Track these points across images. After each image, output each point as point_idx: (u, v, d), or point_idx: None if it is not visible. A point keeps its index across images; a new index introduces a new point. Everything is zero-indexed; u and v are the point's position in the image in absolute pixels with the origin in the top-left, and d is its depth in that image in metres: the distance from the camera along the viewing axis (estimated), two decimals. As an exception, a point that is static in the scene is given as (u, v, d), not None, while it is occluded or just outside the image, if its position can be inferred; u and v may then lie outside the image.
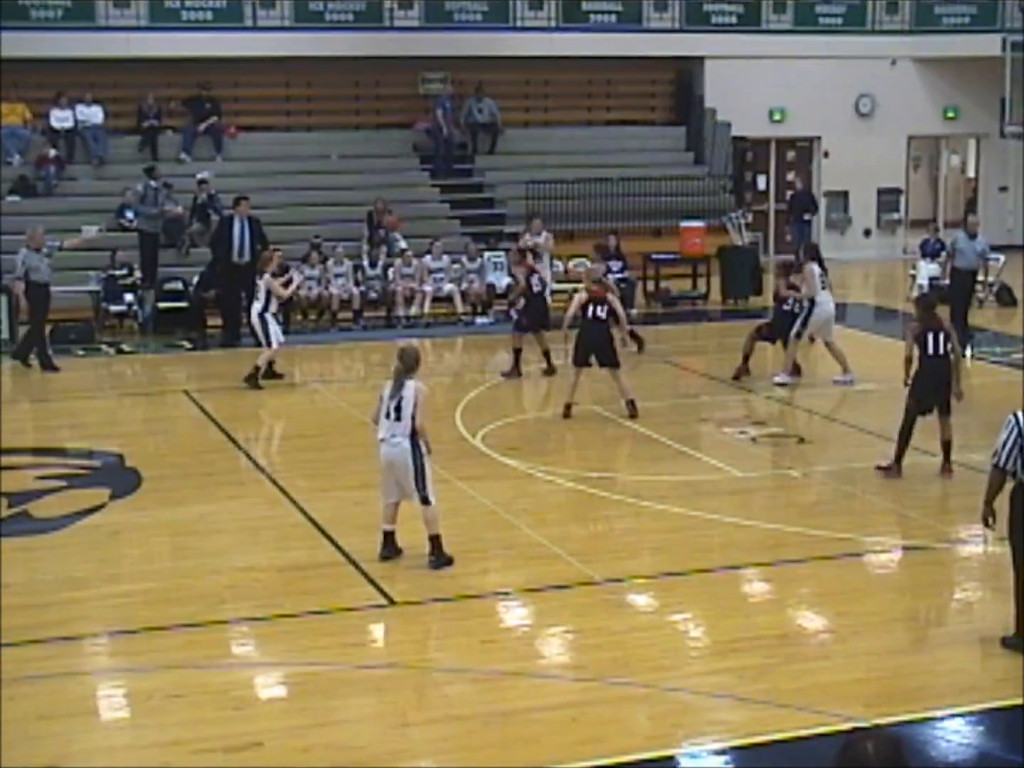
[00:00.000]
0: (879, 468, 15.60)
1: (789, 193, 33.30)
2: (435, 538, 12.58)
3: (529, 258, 21.70)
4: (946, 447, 15.59)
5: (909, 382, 15.62)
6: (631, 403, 18.23)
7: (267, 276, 20.41)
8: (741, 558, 12.95)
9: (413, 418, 12.33)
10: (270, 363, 20.69)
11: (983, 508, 10.78)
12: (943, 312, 17.68)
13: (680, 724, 9.57)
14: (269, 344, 20.41)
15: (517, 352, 20.90)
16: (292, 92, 31.31)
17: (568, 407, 18.19)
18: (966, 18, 34.10)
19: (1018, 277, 28.44)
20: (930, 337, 15.47)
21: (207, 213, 26.70)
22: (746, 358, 20.46)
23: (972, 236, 24.10)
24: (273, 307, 20.51)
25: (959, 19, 34.18)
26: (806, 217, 32.20)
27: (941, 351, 15.44)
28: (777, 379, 20.11)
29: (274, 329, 20.46)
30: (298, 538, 13.67)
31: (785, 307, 20.28)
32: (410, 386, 12.41)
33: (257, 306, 20.42)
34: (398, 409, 12.38)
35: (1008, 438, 10.47)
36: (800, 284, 20.21)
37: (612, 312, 18.47)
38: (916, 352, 15.57)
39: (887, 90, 34.18)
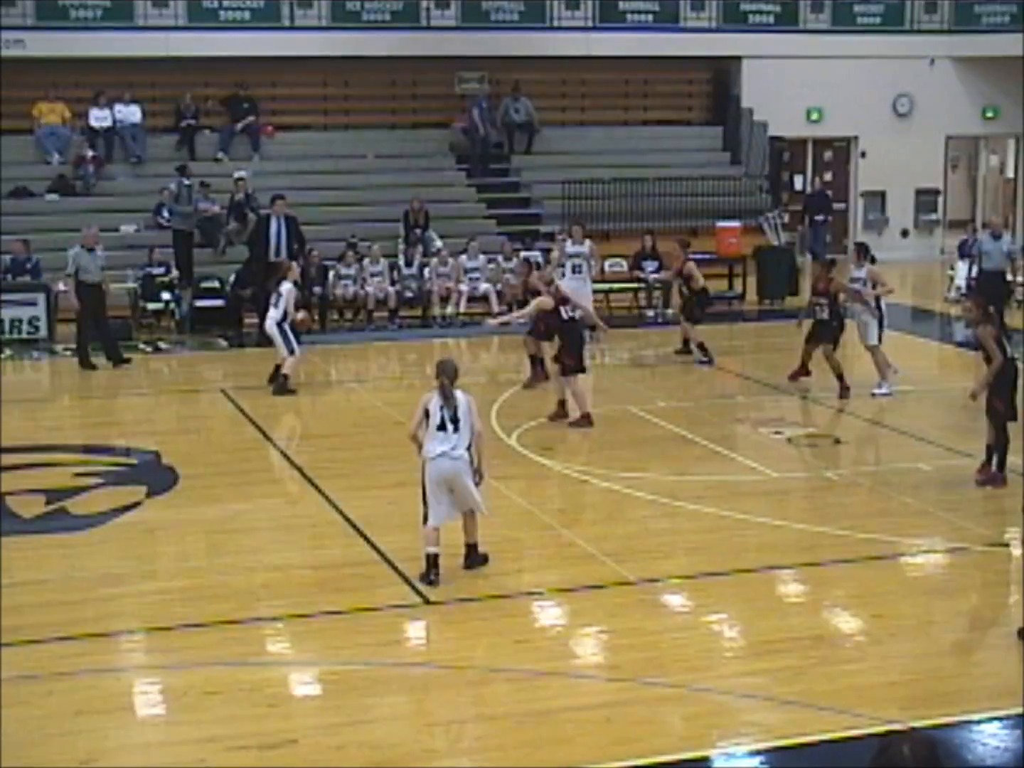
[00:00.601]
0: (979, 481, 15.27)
1: (805, 193, 33.19)
2: (474, 547, 12.52)
3: (537, 276, 20.32)
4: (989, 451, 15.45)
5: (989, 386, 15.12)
6: (561, 403, 18.04)
7: (288, 285, 20.29)
8: (776, 559, 12.92)
9: (471, 428, 12.09)
10: (286, 376, 20.08)
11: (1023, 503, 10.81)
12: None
13: (714, 725, 9.55)
14: (293, 352, 20.13)
15: (533, 359, 20.22)
16: (329, 91, 31.38)
17: (566, 411, 18.09)
18: (1006, 17, 33.92)
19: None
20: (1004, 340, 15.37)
21: (244, 212, 26.76)
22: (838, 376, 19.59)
23: (996, 237, 23.97)
24: (289, 318, 20.22)
25: (998, 18, 34.01)
26: (819, 218, 32.09)
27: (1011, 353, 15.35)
28: (876, 391, 19.52)
29: (292, 337, 20.21)
30: (333, 536, 13.70)
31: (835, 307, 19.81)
32: (461, 396, 12.14)
33: (275, 314, 20.15)
34: (455, 420, 12.01)
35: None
36: (868, 284, 19.72)
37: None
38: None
39: (925, 90, 34.04)
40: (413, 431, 12.27)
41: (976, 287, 23.81)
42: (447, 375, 12.11)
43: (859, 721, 9.36)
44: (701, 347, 21.74)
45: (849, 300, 19.80)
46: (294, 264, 21.35)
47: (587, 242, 23.59)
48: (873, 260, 20.31)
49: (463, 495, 12.14)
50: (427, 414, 12.09)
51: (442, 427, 12.00)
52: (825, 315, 19.57)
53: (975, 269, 24.36)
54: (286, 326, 20.14)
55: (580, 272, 23.24)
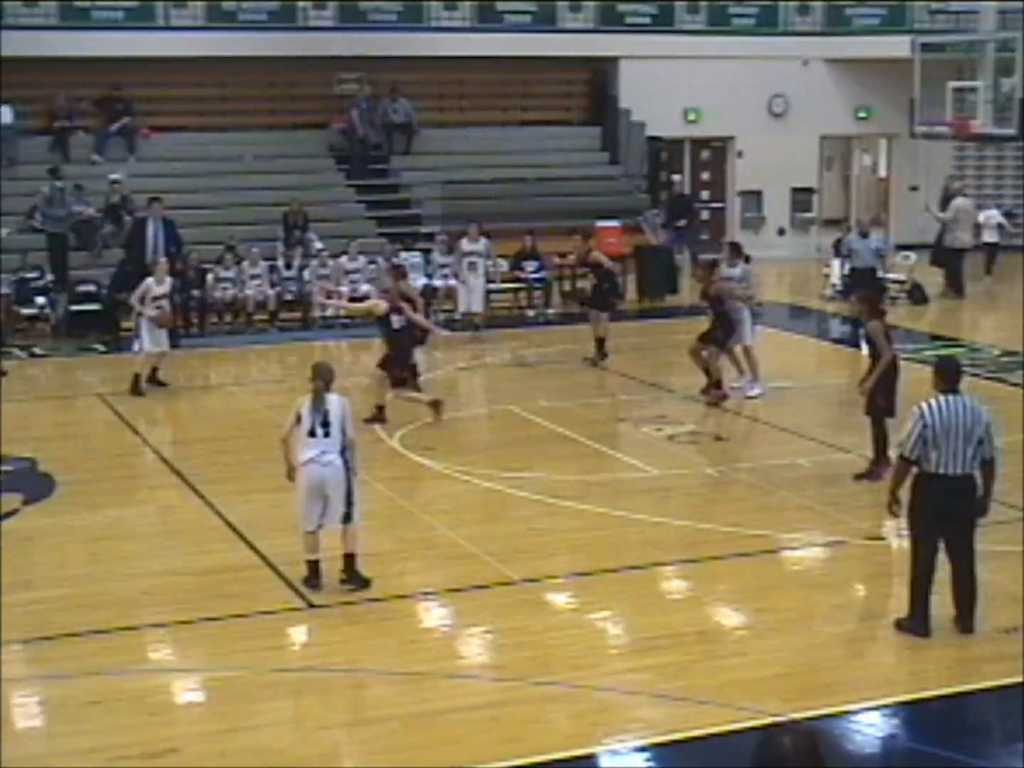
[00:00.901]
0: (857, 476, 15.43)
1: (665, 195, 32.30)
2: (351, 557, 12.02)
3: (402, 284, 19.41)
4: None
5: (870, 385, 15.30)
6: (380, 408, 17.97)
7: (150, 280, 20.08)
8: (659, 556, 13.01)
9: (343, 433, 11.87)
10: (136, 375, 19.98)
11: (888, 497, 11.06)
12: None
13: (600, 722, 9.60)
14: (141, 349, 19.99)
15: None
16: (206, 92, 31.08)
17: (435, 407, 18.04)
18: (876, 19, 34.42)
19: (929, 275, 28.76)
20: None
21: (119, 215, 26.44)
22: (706, 372, 19.43)
23: (864, 235, 24.31)
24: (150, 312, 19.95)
25: (869, 20, 34.50)
26: (681, 223, 31.10)
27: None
28: (750, 392, 19.53)
29: (144, 335, 19.92)
30: (215, 541, 13.59)
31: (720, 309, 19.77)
32: (335, 400, 11.93)
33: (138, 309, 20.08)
34: (325, 425, 11.80)
35: (914, 429, 10.72)
36: (744, 283, 19.82)
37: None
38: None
39: (800, 90, 34.42)
40: (284, 435, 12.14)
41: (848, 285, 24.15)
42: (322, 378, 11.96)
43: (742, 714, 9.46)
44: (600, 343, 21.69)
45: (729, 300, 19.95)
46: (162, 261, 21.17)
47: (483, 240, 24.44)
48: (747, 259, 20.51)
49: (330, 502, 11.86)
50: (300, 419, 11.93)
51: (312, 433, 11.80)
52: (710, 320, 19.59)
53: (847, 267, 24.67)
54: (142, 322, 19.92)
55: (475, 270, 24.09)
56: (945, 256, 28.76)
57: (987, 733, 9.88)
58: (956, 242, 28.56)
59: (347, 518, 11.90)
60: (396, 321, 17.97)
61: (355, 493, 12.00)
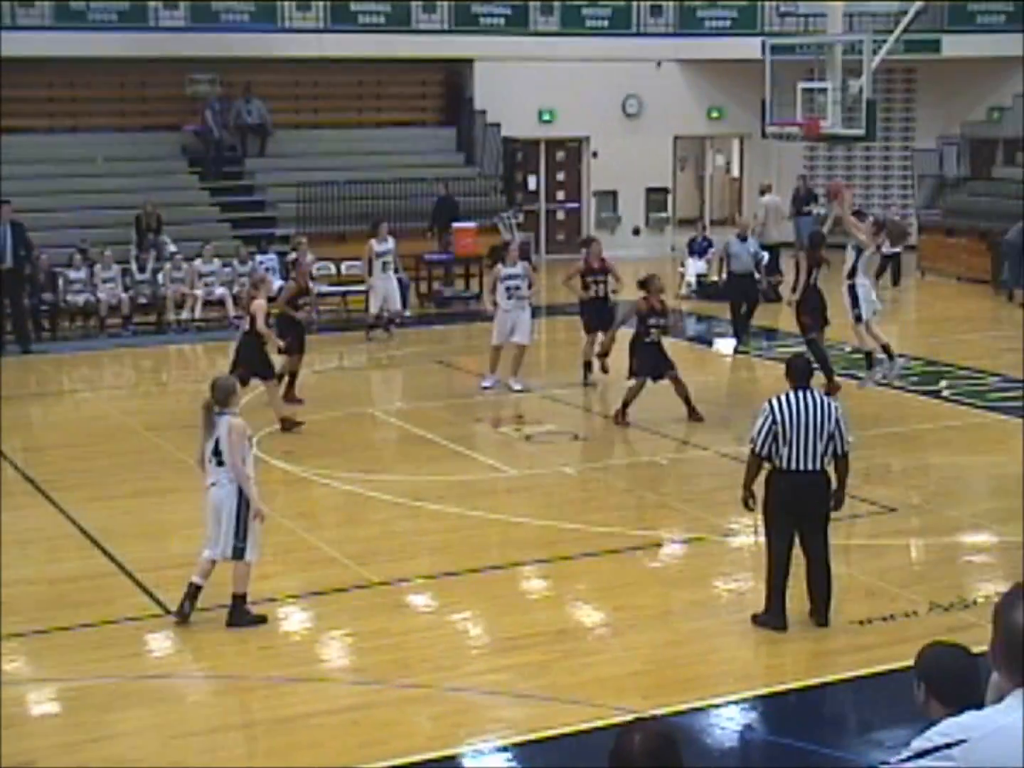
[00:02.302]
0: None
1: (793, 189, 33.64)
2: (240, 597, 11.21)
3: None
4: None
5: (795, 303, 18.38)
6: (284, 420, 17.79)
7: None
8: (518, 556, 13.05)
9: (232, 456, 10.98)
10: None
11: (742, 492, 11.20)
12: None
13: (461, 723, 9.61)
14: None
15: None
16: (55, 93, 30.58)
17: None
18: (727, 22, 34.84)
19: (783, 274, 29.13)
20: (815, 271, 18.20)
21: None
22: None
23: (743, 239, 24.59)
24: None
25: (720, 22, 34.91)
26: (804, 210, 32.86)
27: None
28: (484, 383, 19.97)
29: None
30: (69, 549, 13.39)
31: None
32: (224, 423, 11.04)
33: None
34: (217, 452, 11.02)
35: (764, 425, 10.85)
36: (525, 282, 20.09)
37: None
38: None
39: (653, 91, 34.71)
40: (197, 459, 11.41)
41: (726, 289, 24.30)
42: (214, 395, 11.12)
43: (603, 712, 9.52)
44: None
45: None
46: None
47: (390, 239, 24.09)
48: (529, 260, 20.73)
49: (226, 534, 11.09)
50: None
51: (208, 459, 11.11)
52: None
53: (725, 271, 24.77)
54: None
55: (387, 269, 23.96)
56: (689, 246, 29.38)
57: (843, 724, 10.05)
58: (764, 238, 29.10)
59: (238, 554, 11.11)
60: (242, 324, 17.93)
61: (249, 528, 11.11)
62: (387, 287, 24.03)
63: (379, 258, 23.77)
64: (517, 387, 19.83)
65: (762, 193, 30.41)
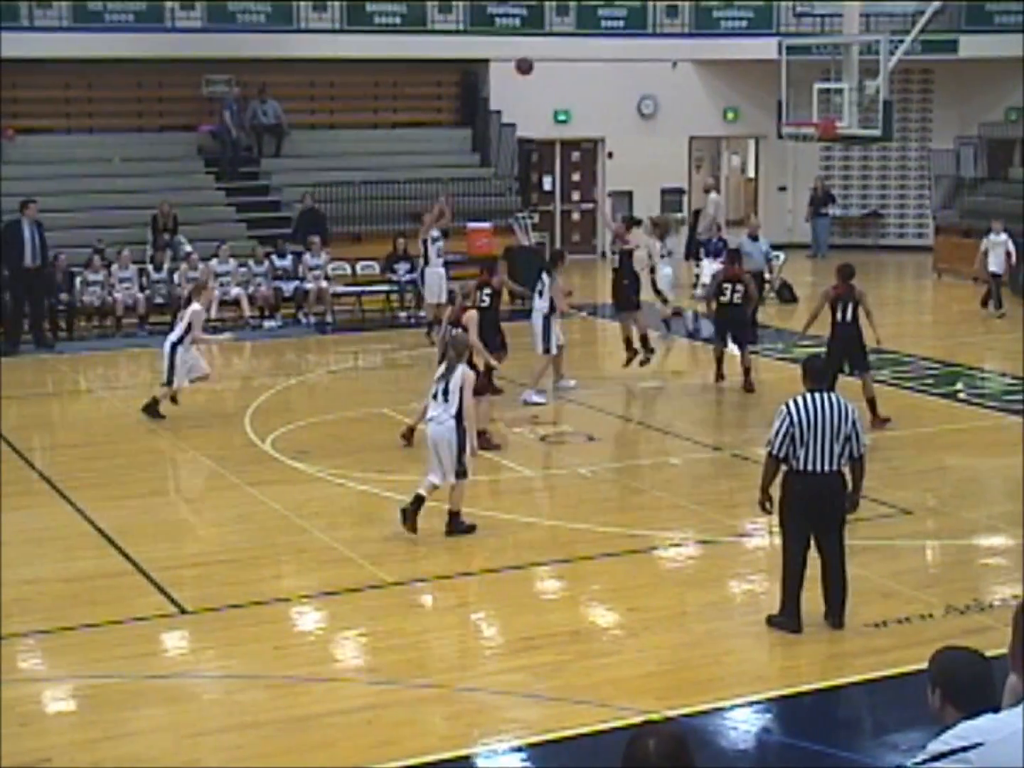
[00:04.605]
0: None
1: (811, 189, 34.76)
2: (456, 514, 13.41)
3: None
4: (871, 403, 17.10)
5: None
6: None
7: (196, 306, 18.45)
8: (533, 556, 13.05)
9: (460, 400, 13.12)
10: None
11: (760, 495, 11.19)
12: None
13: (475, 723, 9.61)
14: (170, 383, 18.35)
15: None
16: (72, 94, 30.66)
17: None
18: (743, 22, 34.80)
19: (798, 275, 29.16)
20: (842, 305, 17.05)
21: (-15, 218, 25.98)
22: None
23: (754, 238, 24.59)
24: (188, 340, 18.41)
25: (736, 23, 34.87)
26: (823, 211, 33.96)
27: (850, 318, 17.03)
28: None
29: (181, 362, 18.35)
30: (85, 548, 13.42)
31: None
32: (459, 371, 13.23)
33: (172, 336, 18.53)
34: (445, 392, 13.19)
35: (781, 427, 10.85)
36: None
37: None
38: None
39: (668, 92, 34.70)
40: (431, 394, 13.51)
41: None
42: (455, 349, 13.52)
43: (617, 713, 9.52)
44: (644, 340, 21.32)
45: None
46: (210, 287, 20.58)
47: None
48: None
49: (442, 459, 13.21)
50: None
51: (436, 396, 13.31)
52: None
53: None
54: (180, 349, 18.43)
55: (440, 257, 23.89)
56: (709, 247, 29.37)
57: (858, 726, 10.02)
58: (711, 234, 29.18)
59: (460, 475, 13.29)
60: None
61: (467, 454, 13.30)
62: (437, 277, 23.87)
63: (434, 243, 23.62)
64: (572, 383, 19.85)
65: (707, 191, 30.31)
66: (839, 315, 16.99)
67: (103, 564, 12.91)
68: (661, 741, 4.76)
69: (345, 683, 10.27)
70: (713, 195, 30.03)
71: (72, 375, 21.86)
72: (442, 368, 13.47)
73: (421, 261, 23.87)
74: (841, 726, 10.00)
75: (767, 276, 24.18)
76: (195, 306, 18.11)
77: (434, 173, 30.98)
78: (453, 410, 13.17)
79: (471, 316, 16.81)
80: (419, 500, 13.27)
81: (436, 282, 23.44)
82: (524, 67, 24.31)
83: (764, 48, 30.60)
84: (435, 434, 13.31)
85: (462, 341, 13.99)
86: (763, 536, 13.41)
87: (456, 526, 13.44)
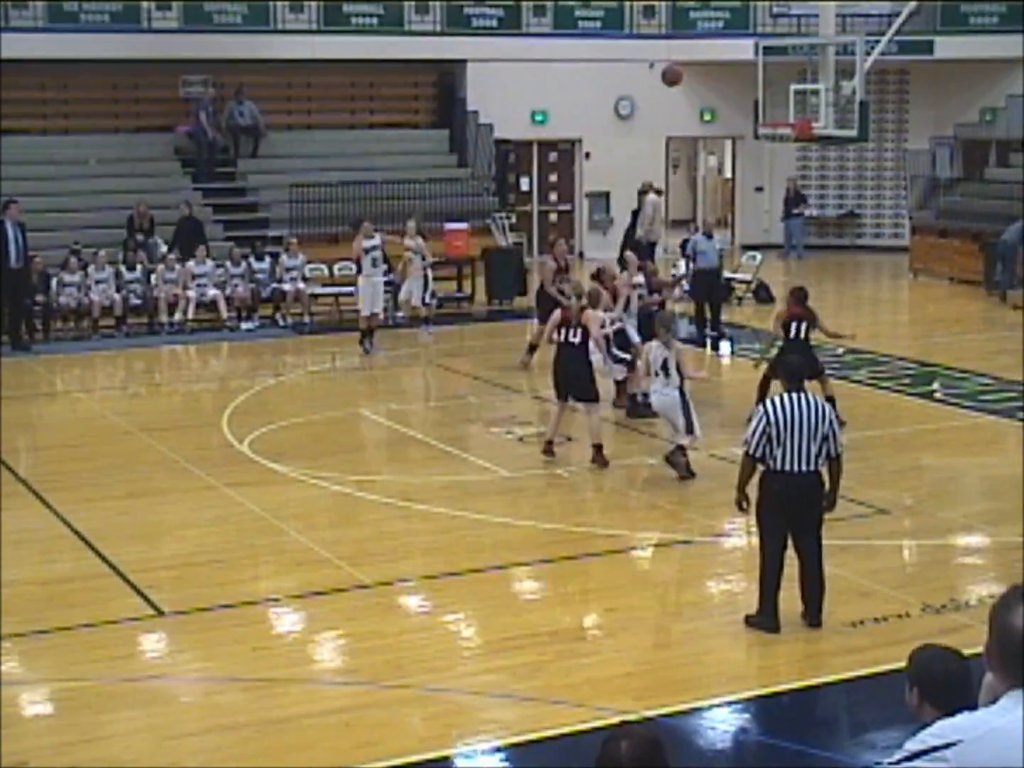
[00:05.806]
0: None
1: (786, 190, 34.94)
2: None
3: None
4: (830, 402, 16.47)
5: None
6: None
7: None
8: (511, 557, 13.05)
9: (679, 372, 15.00)
10: None
11: (736, 495, 11.23)
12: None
13: (454, 724, 9.61)
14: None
15: None
16: (48, 95, 30.60)
17: None
18: (720, 23, 34.88)
19: (775, 275, 29.21)
20: (796, 325, 16.97)
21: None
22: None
23: (709, 236, 24.66)
24: None
25: (713, 23, 34.94)
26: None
27: (803, 336, 17.06)
28: None
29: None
30: (62, 550, 13.38)
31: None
32: (676, 347, 15.15)
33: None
34: (666, 368, 14.94)
35: (758, 427, 10.88)
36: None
37: None
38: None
39: (646, 92, 34.68)
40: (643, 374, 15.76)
41: (692, 286, 24.45)
42: (669, 328, 15.30)
43: (595, 713, 9.52)
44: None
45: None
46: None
47: (377, 236, 23.49)
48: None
49: (671, 422, 15.36)
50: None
51: (657, 374, 15.00)
52: None
53: (691, 268, 24.91)
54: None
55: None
56: (643, 249, 29.37)
57: (835, 725, 10.06)
58: (651, 236, 29.23)
59: (689, 430, 15.24)
60: None
61: (692, 412, 15.20)
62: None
63: (368, 254, 23.27)
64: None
65: (644, 192, 30.24)
66: (791, 333, 17.06)
67: (80, 566, 12.88)
68: (634, 743, 4.76)
69: (323, 684, 10.27)
70: (651, 196, 29.84)
71: (48, 377, 21.80)
72: (655, 345, 15.11)
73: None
74: (819, 725, 10.03)
75: (726, 274, 24.20)
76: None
77: (411, 174, 30.99)
78: (676, 382, 14.99)
79: (592, 315, 16.21)
80: (680, 448, 15.28)
81: (370, 292, 23.04)
82: (673, 77, 24.47)
83: (741, 49, 30.64)
84: (662, 404, 15.21)
85: (668, 317, 15.74)
86: (740, 536, 13.43)
87: (674, 456, 15.33)
